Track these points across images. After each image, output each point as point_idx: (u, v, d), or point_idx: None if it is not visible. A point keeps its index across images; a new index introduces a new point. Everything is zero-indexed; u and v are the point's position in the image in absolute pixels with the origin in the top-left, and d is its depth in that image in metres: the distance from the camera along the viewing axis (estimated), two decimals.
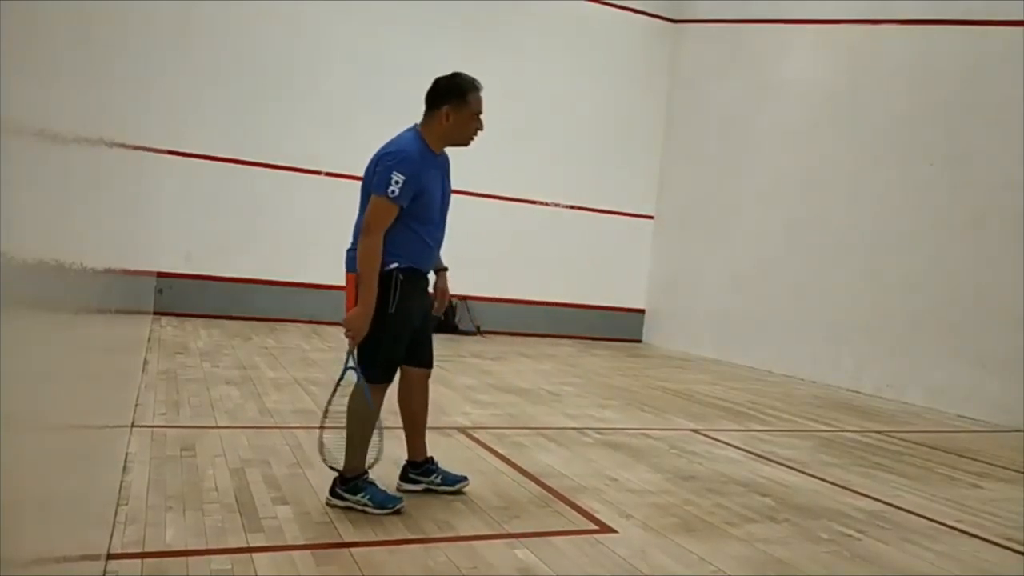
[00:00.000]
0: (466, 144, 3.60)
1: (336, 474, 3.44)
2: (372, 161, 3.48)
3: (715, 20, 12.13)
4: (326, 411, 3.49)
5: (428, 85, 3.55)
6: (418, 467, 3.71)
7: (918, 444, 6.23)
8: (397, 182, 3.30)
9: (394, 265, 3.38)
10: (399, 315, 3.40)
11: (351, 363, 3.42)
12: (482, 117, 3.54)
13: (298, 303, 10.73)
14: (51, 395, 1.38)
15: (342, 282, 3.47)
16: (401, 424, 3.76)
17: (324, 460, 3.48)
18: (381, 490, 3.42)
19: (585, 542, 3.26)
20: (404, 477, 3.72)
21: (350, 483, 3.39)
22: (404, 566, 2.85)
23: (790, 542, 3.50)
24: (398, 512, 3.36)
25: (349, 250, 3.50)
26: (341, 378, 3.46)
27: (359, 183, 3.53)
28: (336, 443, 3.48)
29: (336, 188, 10.55)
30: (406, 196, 3.33)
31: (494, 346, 10.47)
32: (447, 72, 3.57)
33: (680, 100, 12.79)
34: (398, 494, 3.52)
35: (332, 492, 3.42)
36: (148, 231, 6.81)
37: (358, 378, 3.42)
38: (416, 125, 3.56)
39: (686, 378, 9.08)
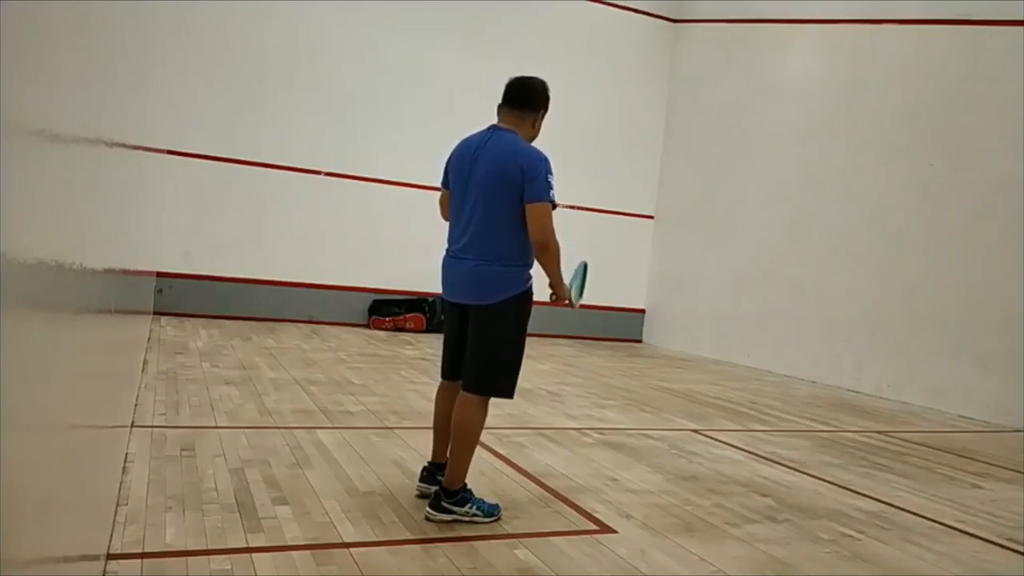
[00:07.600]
0: None
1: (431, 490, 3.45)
2: (495, 170, 3.33)
3: (715, 20, 12.14)
4: (570, 302, 3.71)
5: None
6: (443, 467, 3.67)
7: (918, 444, 6.23)
8: (553, 186, 3.33)
9: (531, 283, 3.44)
10: (526, 329, 3.41)
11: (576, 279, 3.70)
12: None
13: (298, 303, 10.71)
14: (51, 395, 1.38)
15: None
16: (432, 425, 3.74)
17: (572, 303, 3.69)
18: (481, 499, 3.39)
19: (585, 542, 3.26)
20: (431, 479, 3.63)
21: (457, 495, 3.33)
22: (404, 566, 2.85)
23: (790, 542, 3.50)
24: (499, 518, 3.37)
25: (476, 264, 3.39)
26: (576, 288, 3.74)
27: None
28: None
29: (336, 188, 10.58)
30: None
31: None
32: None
33: (680, 100, 12.79)
34: (495, 500, 3.47)
35: (435, 507, 3.33)
36: (148, 231, 6.80)
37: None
38: (500, 127, 3.45)
39: (686, 378, 9.08)
